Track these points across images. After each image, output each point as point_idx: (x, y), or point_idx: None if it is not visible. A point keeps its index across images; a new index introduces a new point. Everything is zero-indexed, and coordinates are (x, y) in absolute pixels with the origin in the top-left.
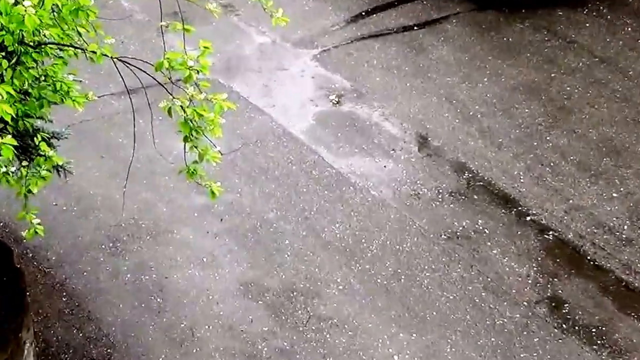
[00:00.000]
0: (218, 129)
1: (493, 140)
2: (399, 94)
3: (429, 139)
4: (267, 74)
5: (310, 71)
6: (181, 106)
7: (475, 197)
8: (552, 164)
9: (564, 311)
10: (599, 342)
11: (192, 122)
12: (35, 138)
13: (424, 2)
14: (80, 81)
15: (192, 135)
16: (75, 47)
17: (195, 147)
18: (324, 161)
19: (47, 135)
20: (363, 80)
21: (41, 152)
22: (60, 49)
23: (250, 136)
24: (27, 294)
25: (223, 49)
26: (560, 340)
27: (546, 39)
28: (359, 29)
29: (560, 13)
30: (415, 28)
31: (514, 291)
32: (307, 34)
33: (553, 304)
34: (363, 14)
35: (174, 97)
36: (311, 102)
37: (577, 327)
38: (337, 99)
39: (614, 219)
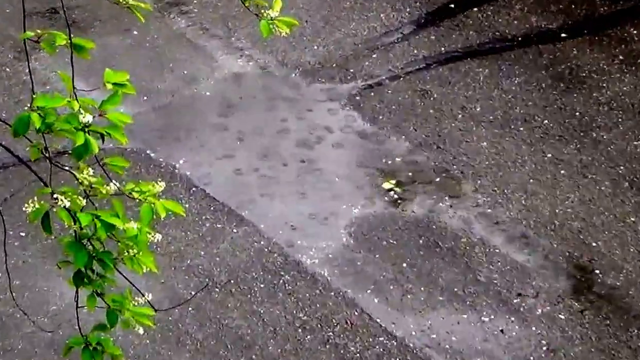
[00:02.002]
0: (148, 256)
1: None
2: (531, 178)
3: (596, 271)
4: (251, 139)
5: (342, 131)
6: (68, 209)
7: None
8: None
9: None
10: None
11: (91, 242)
12: None
13: None
14: None
15: (93, 272)
16: None
17: (100, 296)
18: (371, 322)
19: None
20: (452, 148)
21: None
22: None
23: (214, 271)
24: None
25: (156, 86)
26: None
27: None
28: (442, 39)
29: None
30: (564, 36)
31: None
32: (335, 52)
33: None
34: (452, 6)
35: (53, 191)
36: (343, 197)
37: None
38: (397, 190)
39: None
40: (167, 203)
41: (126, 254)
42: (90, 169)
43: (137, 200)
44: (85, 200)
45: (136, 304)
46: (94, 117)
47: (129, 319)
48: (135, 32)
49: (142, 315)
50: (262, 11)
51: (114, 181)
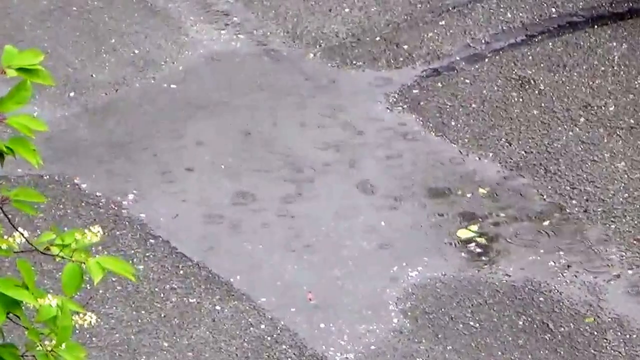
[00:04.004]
0: (76, 351)
1: None
2: None
3: None
4: (243, 159)
5: (390, 145)
6: None
7: None
8: None
9: None
10: None
11: None
12: None
13: None
14: None
15: None
16: None
17: None
18: None
19: None
20: (571, 172)
21: None
22: None
23: None
24: None
25: (89, 75)
26: None
27: None
28: None
29: None
30: None
31: None
32: (379, 17)
33: None
34: None
35: None
36: (394, 253)
37: None
38: (480, 241)
39: None
40: (108, 260)
41: (39, 348)
42: None
43: (60, 259)
44: None
45: None
46: None
47: None
48: None
49: None
50: None
51: (20, 229)
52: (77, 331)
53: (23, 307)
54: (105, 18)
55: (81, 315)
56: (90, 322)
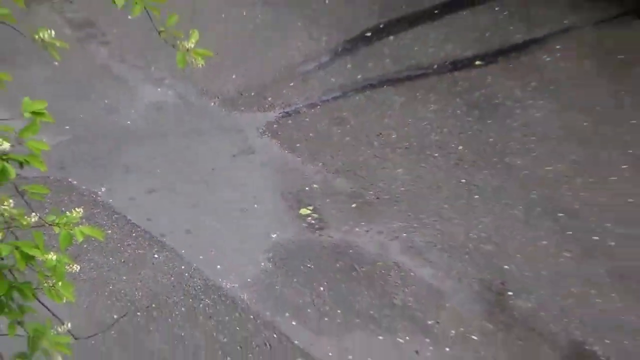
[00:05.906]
0: (68, 286)
1: None
2: (446, 203)
3: (509, 293)
4: (171, 167)
5: (260, 158)
6: None
7: None
8: None
9: None
10: None
11: (12, 272)
12: None
13: (496, 9)
14: None
15: (14, 301)
16: None
17: (20, 325)
18: (290, 344)
19: None
20: (369, 175)
21: None
22: None
23: (137, 296)
24: None
25: (78, 115)
26: None
27: None
28: (358, 67)
29: None
30: (479, 63)
31: None
32: (254, 81)
33: None
34: (369, 35)
35: None
36: (262, 223)
37: None
38: (314, 216)
39: None
40: (86, 228)
41: (45, 284)
42: (11, 200)
43: (58, 230)
44: (6, 232)
45: (55, 330)
46: (12, 145)
47: (49, 348)
48: (55, 63)
49: (60, 344)
50: (179, 42)
51: (34, 212)
52: (66, 274)
53: (36, 260)
54: (86, 81)
55: (71, 265)
56: (75, 270)
